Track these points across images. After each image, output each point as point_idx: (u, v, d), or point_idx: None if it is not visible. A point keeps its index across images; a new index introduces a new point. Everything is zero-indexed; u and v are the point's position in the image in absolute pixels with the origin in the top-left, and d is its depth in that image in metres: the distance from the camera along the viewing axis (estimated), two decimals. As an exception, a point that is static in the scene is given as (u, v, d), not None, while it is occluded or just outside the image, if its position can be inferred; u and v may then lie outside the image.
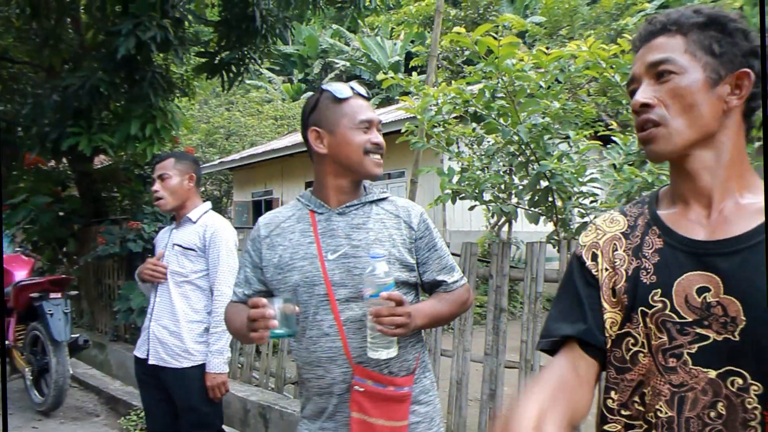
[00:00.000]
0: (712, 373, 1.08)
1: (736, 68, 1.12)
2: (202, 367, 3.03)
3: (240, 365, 5.15)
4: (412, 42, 21.75)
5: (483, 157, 3.83)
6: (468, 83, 3.59)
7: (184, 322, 3.05)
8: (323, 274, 1.76)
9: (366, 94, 1.87)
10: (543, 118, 3.43)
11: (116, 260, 6.92)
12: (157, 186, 3.12)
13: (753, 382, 1.05)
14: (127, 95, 6.61)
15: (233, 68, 7.68)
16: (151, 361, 3.06)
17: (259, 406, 4.57)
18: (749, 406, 1.05)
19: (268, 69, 30.01)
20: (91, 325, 7.60)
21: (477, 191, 3.60)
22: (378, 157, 1.83)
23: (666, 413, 1.12)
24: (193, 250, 3.06)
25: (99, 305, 7.42)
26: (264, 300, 1.62)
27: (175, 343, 3.04)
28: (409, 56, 19.39)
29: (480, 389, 3.78)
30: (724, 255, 1.10)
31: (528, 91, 3.35)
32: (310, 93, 19.30)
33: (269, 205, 17.73)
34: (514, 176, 3.84)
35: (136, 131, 6.37)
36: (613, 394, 1.20)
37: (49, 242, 7.83)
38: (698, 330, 1.10)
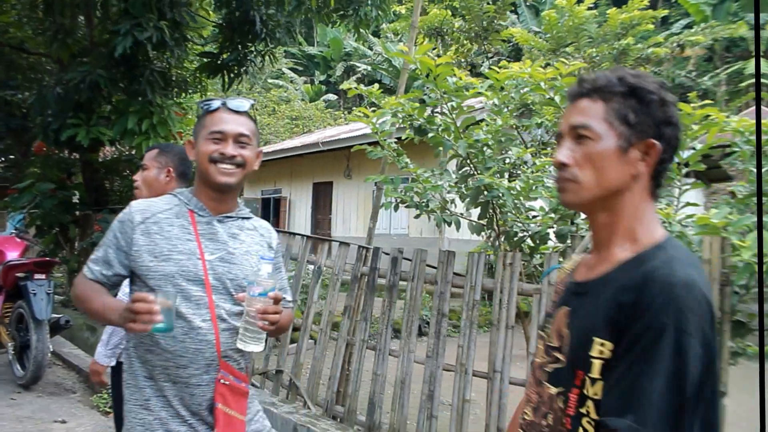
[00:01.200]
0: (553, 390, 1.27)
1: (647, 137, 1.23)
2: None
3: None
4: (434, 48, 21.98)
5: (435, 169, 4.04)
6: (420, 99, 3.81)
7: None
8: (204, 271, 1.88)
9: (238, 108, 1.96)
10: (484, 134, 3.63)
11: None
12: (137, 176, 3.25)
13: (565, 402, 1.23)
14: (125, 90, 6.91)
15: (234, 69, 7.99)
16: (110, 359, 3.28)
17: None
18: (560, 418, 1.23)
19: (290, 69, 30.42)
20: (85, 308, 7.89)
21: (423, 200, 3.81)
22: (226, 166, 1.91)
23: (528, 416, 1.35)
24: None
25: (93, 290, 7.71)
26: (151, 296, 1.70)
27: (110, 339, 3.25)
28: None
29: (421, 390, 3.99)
30: (577, 294, 1.31)
31: (465, 107, 3.56)
32: (331, 95, 19.59)
33: (278, 204, 18.02)
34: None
35: (133, 126, 6.67)
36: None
37: (51, 227, 8.14)
38: (556, 354, 1.29)
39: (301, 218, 17.66)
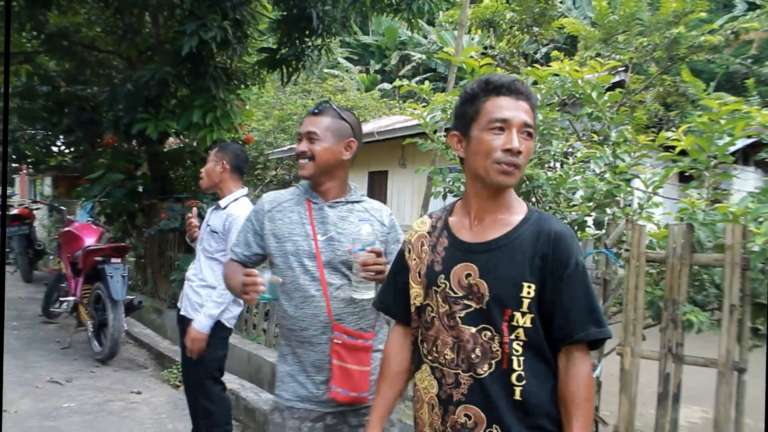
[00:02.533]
0: (473, 330, 1.67)
1: None
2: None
3: (275, 334, 5.76)
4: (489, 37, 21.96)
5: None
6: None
7: (205, 286, 3.68)
8: (315, 249, 2.26)
9: (313, 111, 2.34)
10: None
11: (176, 234, 7.65)
12: (202, 168, 3.83)
13: (495, 333, 1.65)
14: (191, 86, 7.32)
15: (292, 63, 8.33)
16: (181, 312, 3.75)
17: (270, 365, 5.16)
18: (494, 349, 1.64)
19: (346, 59, 30.72)
20: (153, 292, 8.42)
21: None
22: (301, 161, 2.30)
23: (450, 355, 1.71)
24: (217, 233, 3.69)
25: (161, 274, 8.22)
26: (256, 271, 2.09)
27: (195, 300, 3.69)
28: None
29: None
30: (480, 252, 1.69)
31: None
32: (386, 84, 19.62)
33: (333, 192, 18.36)
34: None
35: (198, 119, 7.09)
36: (424, 345, 1.80)
37: (120, 215, 8.65)
38: (465, 302, 1.68)
39: (356, 206, 17.97)
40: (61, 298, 6.76)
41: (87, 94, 10.34)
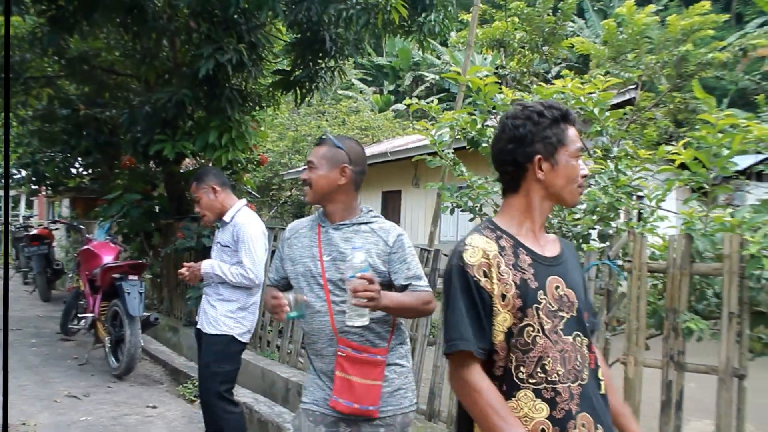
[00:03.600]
0: (570, 339, 1.73)
1: None
2: (225, 336, 3.75)
3: (288, 351, 5.85)
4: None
5: (489, 177, 4.37)
6: (470, 113, 4.16)
7: (221, 300, 3.81)
8: (321, 270, 2.44)
9: (319, 141, 2.57)
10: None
11: (192, 253, 7.76)
12: (197, 207, 3.93)
13: (584, 338, 1.77)
14: (207, 108, 7.51)
15: (306, 85, 8.50)
16: (198, 325, 3.86)
17: (298, 386, 5.24)
18: (585, 352, 1.76)
19: (360, 80, 31.02)
20: (168, 310, 8.53)
21: (476, 205, 4.16)
22: (305, 188, 2.54)
23: (560, 370, 1.70)
24: (229, 246, 3.82)
25: (176, 293, 8.34)
26: (280, 293, 2.38)
27: (211, 314, 3.80)
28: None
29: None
30: (558, 264, 1.80)
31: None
32: (399, 104, 19.61)
33: (347, 212, 18.51)
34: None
35: (214, 140, 7.27)
36: (522, 369, 1.70)
37: (137, 234, 8.81)
38: (560, 313, 1.73)
39: (369, 226, 18.10)
40: (80, 315, 6.90)
41: (105, 117, 10.56)
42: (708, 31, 9.88)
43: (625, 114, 8.33)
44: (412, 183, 16.03)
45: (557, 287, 1.74)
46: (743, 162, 8.14)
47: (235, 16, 6.74)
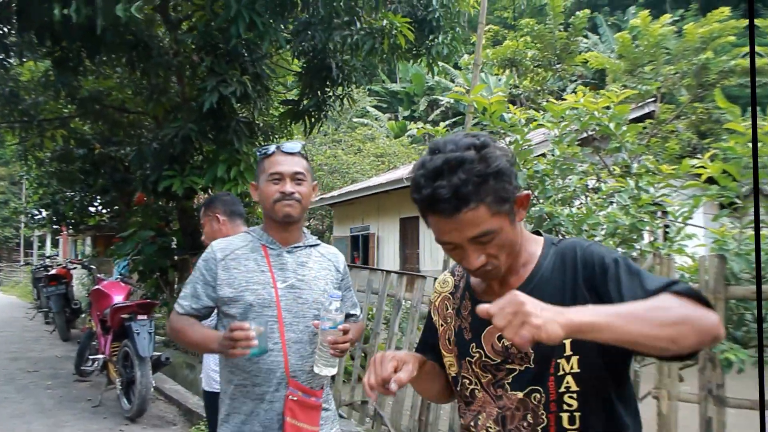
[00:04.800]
0: (520, 394, 1.42)
1: (516, 193, 1.37)
2: (211, 394, 3.46)
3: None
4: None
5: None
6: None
7: (208, 355, 3.50)
8: (276, 299, 2.13)
9: (291, 150, 2.21)
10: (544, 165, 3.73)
11: (206, 289, 7.63)
12: (203, 236, 3.71)
13: (542, 394, 1.40)
14: (214, 141, 7.40)
15: (314, 114, 8.39)
16: (205, 388, 3.61)
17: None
18: (540, 413, 1.39)
19: (374, 107, 31.07)
20: (186, 347, 8.37)
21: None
22: (289, 202, 2.16)
23: (495, 428, 1.46)
24: None
25: (192, 329, 8.17)
26: (247, 324, 1.92)
27: (204, 369, 3.59)
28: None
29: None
30: None
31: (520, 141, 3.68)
32: (415, 130, 19.41)
33: (366, 240, 18.36)
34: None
35: (222, 173, 7.14)
36: (462, 420, 1.56)
37: (153, 271, 8.71)
38: (507, 366, 1.44)
39: (389, 253, 17.91)
40: (91, 356, 6.76)
41: (120, 155, 10.59)
42: (729, 38, 9.61)
43: (644, 128, 8.07)
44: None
45: (500, 337, 1.43)
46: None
47: (238, 49, 6.64)
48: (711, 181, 3.40)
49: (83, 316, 10.31)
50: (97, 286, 7.22)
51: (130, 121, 10.14)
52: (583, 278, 1.39)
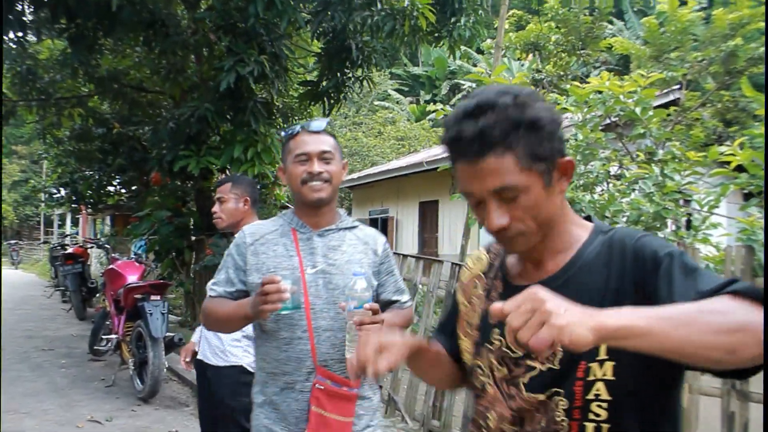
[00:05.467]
0: (541, 397, 1.24)
1: (559, 157, 1.22)
2: (236, 367, 3.48)
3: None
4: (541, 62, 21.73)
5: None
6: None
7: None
8: (303, 284, 2.02)
9: (317, 129, 2.11)
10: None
11: (222, 270, 7.60)
12: (216, 207, 3.61)
13: (562, 399, 1.22)
14: (231, 122, 7.35)
15: (333, 95, 8.29)
16: (199, 356, 3.60)
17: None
18: (558, 419, 1.22)
19: (396, 90, 30.89)
20: (200, 327, 8.37)
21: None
22: (317, 183, 2.06)
23: (510, 430, 1.30)
24: None
25: (208, 310, 8.17)
26: (278, 277, 1.83)
27: (216, 344, 3.54)
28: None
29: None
30: None
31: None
32: (434, 112, 19.32)
33: (385, 224, 18.30)
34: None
35: (239, 154, 7.08)
36: (474, 414, 1.40)
37: (168, 252, 8.70)
38: (528, 362, 1.26)
39: (408, 237, 17.84)
40: (105, 336, 6.77)
41: (139, 134, 10.58)
42: (759, 24, 9.33)
43: (669, 115, 7.89)
44: (450, 192, 15.70)
45: None
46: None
47: (256, 28, 6.55)
48: (738, 169, 3.27)
49: (98, 295, 10.36)
50: (111, 266, 7.21)
51: (148, 101, 10.12)
52: (631, 272, 1.20)
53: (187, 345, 3.71)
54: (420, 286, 5.27)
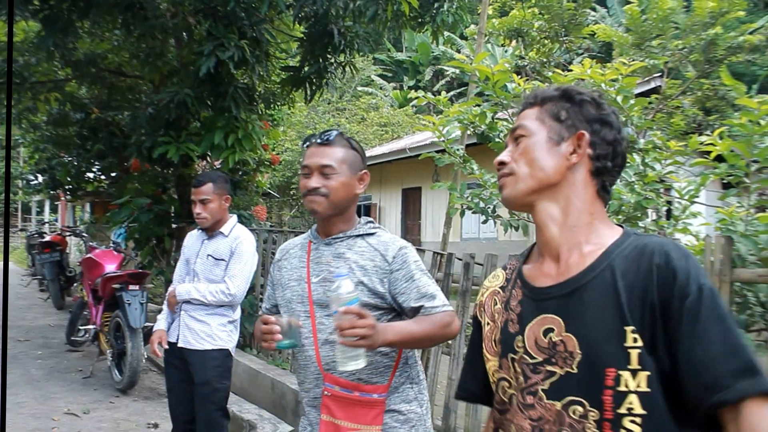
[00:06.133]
0: (558, 405, 1.21)
1: (577, 130, 1.30)
2: (222, 351, 3.58)
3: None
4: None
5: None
6: (477, 105, 3.82)
7: (212, 314, 3.60)
8: (308, 294, 2.07)
9: (324, 140, 2.07)
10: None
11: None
12: (199, 209, 3.68)
13: (591, 409, 1.17)
14: (211, 107, 7.24)
15: (315, 81, 8.20)
16: (180, 345, 3.62)
17: (293, 392, 4.94)
18: (583, 429, 1.17)
19: (379, 76, 30.76)
20: (181, 316, 8.29)
21: (488, 206, 3.81)
22: (312, 197, 2.04)
23: None
24: (224, 260, 3.63)
25: (188, 298, 8.09)
26: (272, 318, 1.94)
27: (201, 329, 3.59)
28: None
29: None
30: (563, 297, 1.25)
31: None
32: (416, 99, 19.12)
33: (368, 211, 18.27)
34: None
35: (220, 141, 6.99)
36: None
37: (148, 239, 8.58)
38: (548, 368, 1.23)
39: (391, 224, 17.84)
40: (83, 327, 6.69)
41: (118, 120, 10.43)
42: (738, 13, 9.37)
43: (650, 103, 7.90)
44: (432, 179, 15.69)
45: (549, 330, 1.24)
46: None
47: (237, 11, 6.44)
48: (717, 158, 3.27)
49: (76, 285, 10.24)
50: (89, 255, 7.12)
51: (127, 86, 9.95)
52: (642, 286, 1.17)
53: (158, 332, 3.76)
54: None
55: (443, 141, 3.99)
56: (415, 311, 2.02)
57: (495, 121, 3.65)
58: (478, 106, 3.72)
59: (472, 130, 3.77)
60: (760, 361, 1.09)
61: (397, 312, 2.07)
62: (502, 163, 1.35)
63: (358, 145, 2.16)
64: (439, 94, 4.57)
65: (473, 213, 3.90)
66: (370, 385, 2.00)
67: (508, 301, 1.38)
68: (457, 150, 4.02)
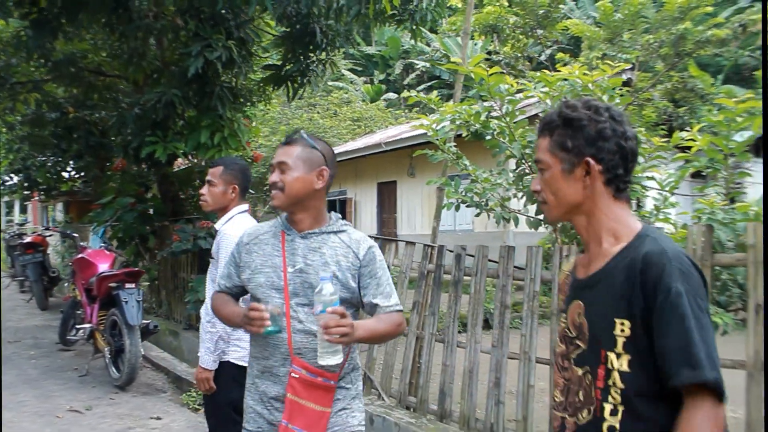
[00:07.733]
0: (580, 371, 1.56)
1: (584, 156, 1.53)
2: (223, 365, 3.37)
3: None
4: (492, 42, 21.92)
5: (494, 169, 4.23)
6: (471, 104, 4.01)
7: (206, 321, 3.33)
8: (284, 281, 2.22)
9: (287, 140, 2.27)
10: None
11: (189, 256, 7.62)
12: (204, 189, 3.53)
13: (594, 379, 1.52)
14: (197, 107, 7.33)
15: (297, 79, 8.31)
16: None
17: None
18: (592, 394, 1.52)
19: (349, 70, 30.76)
20: (167, 314, 8.39)
21: (482, 200, 4.02)
22: (273, 191, 2.24)
23: (559, 398, 1.64)
24: (214, 258, 3.47)
25: (175, 296, 8.20)
26: (262, 306, 2.09)
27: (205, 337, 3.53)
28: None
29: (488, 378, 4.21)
30: (587, 288, 1.59)
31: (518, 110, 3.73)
32: (391, 93, 19.48)
33: (344, 205, 18.41)
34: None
35: (206, 139, 7.10)
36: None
37: (132, 238, 8.63)
38: (577, 342, 1.59)
39: (367, 218, 18.00)
40: (77, 326, 6.76)
41: (95, 119, 10.41)
42: (706, 8, 9.72)
43: (622, 95, 8.17)
44: (408, 173, 15.88)
45: (579, 314, 1.58)
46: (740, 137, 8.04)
47: (223, 12, 6.55)
48: (683, 150, 3.52)
49: (66, 285, 10.23)
50: (81, 255, 7.17)
51: (105, 84, 9.93)
52: (630, 283, 1.46)
53: (203, 374, 3.31)
54: (392, 267, 5.42)
55: (437, 140, 4.17)
56: (372, 307, 2.27)
57: (489, 119, 3.85)
58: (474, 105, 3.91)
59: (465, 128, 3.96)
60: (716, 355, 1.37)
61: (357, 308, 2.35)
62: (536, 192, 1.65)
63: (324, 144, 2.33)
64: (411, 88, 4.74)
65: (467, 206, 4.10)
66: (330, 373, 2.22)
67: (568, 283, 1.74)
68: (451, 147, 4.21)
